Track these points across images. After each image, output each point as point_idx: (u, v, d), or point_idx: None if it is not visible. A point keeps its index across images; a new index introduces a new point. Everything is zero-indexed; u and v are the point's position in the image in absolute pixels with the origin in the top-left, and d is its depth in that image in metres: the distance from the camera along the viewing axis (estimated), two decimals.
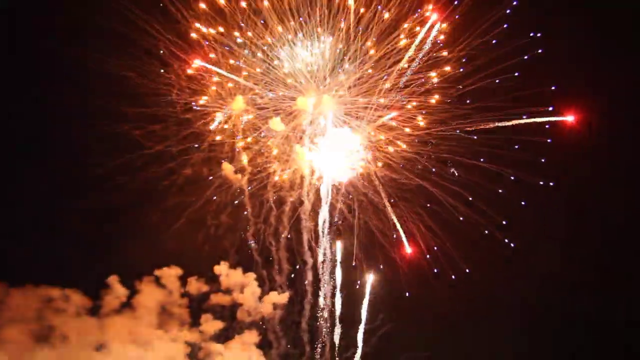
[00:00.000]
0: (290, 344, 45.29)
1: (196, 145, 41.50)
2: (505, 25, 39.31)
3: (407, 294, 43.11)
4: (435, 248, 42.20)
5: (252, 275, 45.25)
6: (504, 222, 42.30)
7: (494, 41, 39.49)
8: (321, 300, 43.99)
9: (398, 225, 42.06)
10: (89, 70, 38.28)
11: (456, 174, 41.38)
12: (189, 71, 39.56)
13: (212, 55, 39.78)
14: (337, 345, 43.66)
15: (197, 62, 39.10)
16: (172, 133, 40.88)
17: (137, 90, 39.67)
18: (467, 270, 42.58)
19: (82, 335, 41.44)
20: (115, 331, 42.49)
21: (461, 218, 41.89)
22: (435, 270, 42.65)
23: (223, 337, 44.74)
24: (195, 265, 44.14)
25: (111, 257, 42.99)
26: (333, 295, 43.91)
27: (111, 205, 41.83)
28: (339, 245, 43.28)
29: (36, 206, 42.22)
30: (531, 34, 39.81)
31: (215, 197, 42.45)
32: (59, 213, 42.60)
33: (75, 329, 41.37)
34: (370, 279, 43.35)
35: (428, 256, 42.39)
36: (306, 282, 44.75)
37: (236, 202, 43.05)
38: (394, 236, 42.31)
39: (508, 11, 39.09)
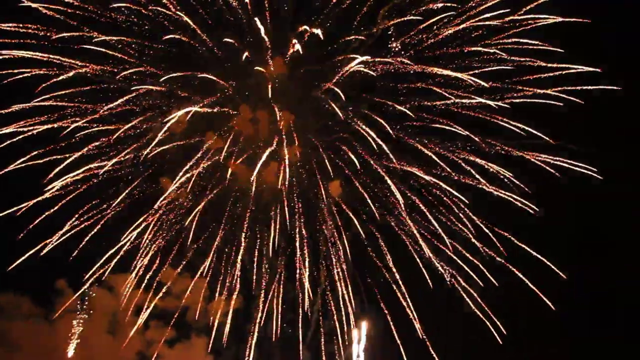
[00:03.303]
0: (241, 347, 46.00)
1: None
2: None
3: None
4: None
5: (202, 281, 45.82)
6: None
7: None
8: None
9: None
10: None
11: None
12: None
13: None
14: None
15: None
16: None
17: None
18: None
19: (32, 340, 42.83)
20: (65, 336, 43.70)
21: None
22: None
23: (172, 341, 45.71)
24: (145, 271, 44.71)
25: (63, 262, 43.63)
26: None
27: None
28: None
29: None
30: None
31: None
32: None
33: (25, 334, 42.80)
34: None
35: None
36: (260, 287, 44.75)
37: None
38: None
39: None
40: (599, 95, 38.18)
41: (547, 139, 38.36)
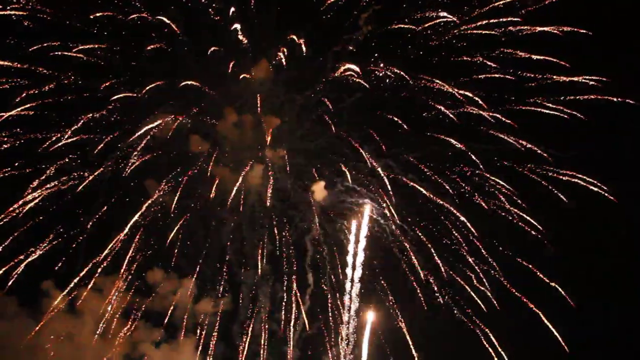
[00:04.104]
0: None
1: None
2: None
3: None
4: None
5: (189, 282, 45.92)
6: None
7: None
8: None
9: None
10: None
11: None
12: None
13: None
14: None
15: None
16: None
17: None
18: None
19: (18, 340, 42.96)
20: (52, 336, 43.82)
21: None
22: None
23: (159, 342, 45.90)
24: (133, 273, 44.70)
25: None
26: None
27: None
28: None
29: None
30: None
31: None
32: None
33: (11, 334, 42.92)
34: None
35: None
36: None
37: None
38: None
39: None
40: (606, 108, 37.51)
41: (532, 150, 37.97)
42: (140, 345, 45.47)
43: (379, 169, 38.82)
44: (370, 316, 39.87)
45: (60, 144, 38.95)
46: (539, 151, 37.91)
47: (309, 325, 43.50)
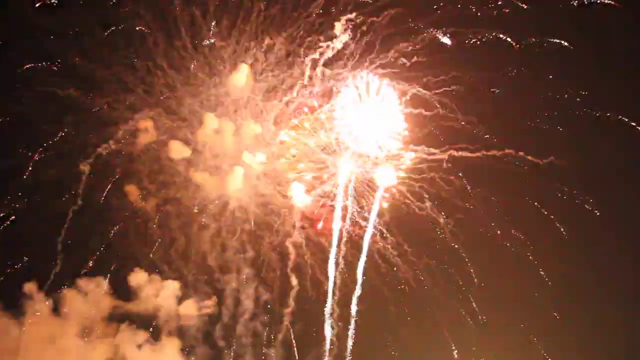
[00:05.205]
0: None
1: None
2: None
3: None
4: None
5: (173, 284, 45.94)
6: None
7: None
8: None
9: None
10: None
11: None
12: None
13: None
14: None
15: None
16: None
17: None
18: None
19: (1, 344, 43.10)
20: (35, 339, 43.94)
21: None
22: None
23: (143, 344, 45.96)
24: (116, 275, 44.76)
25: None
26: None
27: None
28: None
29: None
30: None
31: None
32: None
33: None
34: None
35: None
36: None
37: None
38: None
39: None
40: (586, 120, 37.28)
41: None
42: (123, 348, 45.51)
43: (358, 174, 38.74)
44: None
45: (39, 155, 39.12)
46: (519, 163, 37.74)
47: (292, 326, 43.79)
